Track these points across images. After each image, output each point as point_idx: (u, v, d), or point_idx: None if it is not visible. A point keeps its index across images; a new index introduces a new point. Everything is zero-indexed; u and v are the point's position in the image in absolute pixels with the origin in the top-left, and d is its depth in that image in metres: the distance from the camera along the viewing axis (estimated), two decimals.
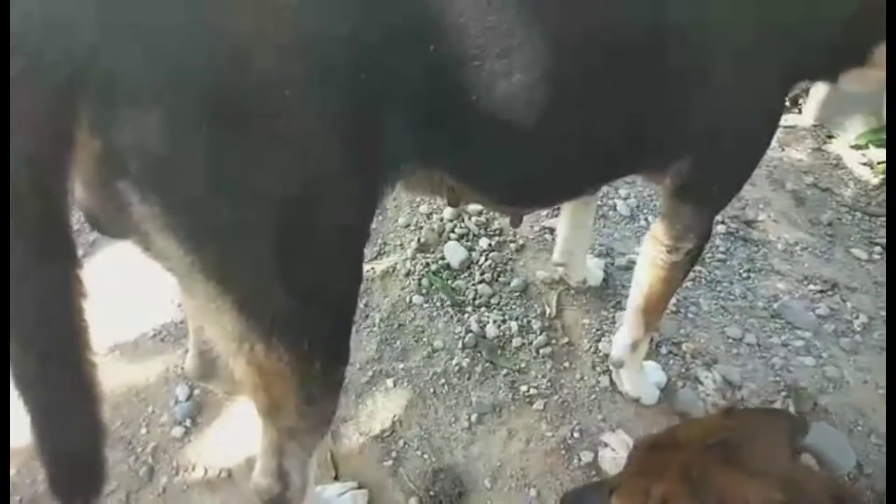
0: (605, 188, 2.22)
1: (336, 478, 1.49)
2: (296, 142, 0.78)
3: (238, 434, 1.54)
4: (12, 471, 1.45)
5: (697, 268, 1.68)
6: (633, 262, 1.99)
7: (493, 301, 1.91)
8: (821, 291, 2.03)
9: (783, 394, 1.72)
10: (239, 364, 0.92)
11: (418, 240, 2.05)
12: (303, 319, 0.90)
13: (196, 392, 1.64)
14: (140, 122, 0.70)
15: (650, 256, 1.42)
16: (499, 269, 2.00)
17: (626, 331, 1.59)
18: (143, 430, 1.56)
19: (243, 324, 0.85)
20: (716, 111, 1.12)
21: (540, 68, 0.94)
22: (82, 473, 0.83)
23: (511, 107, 0.95)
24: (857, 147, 2.63)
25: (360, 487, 1.46)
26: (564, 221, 1.84)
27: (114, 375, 1.64)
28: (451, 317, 1.86)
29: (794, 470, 0.89)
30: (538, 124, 1.00)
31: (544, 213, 2.17)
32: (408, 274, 1.97)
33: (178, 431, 1.56)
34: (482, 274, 1.98)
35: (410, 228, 2.11)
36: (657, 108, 1.10)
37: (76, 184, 0.74)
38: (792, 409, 1.67)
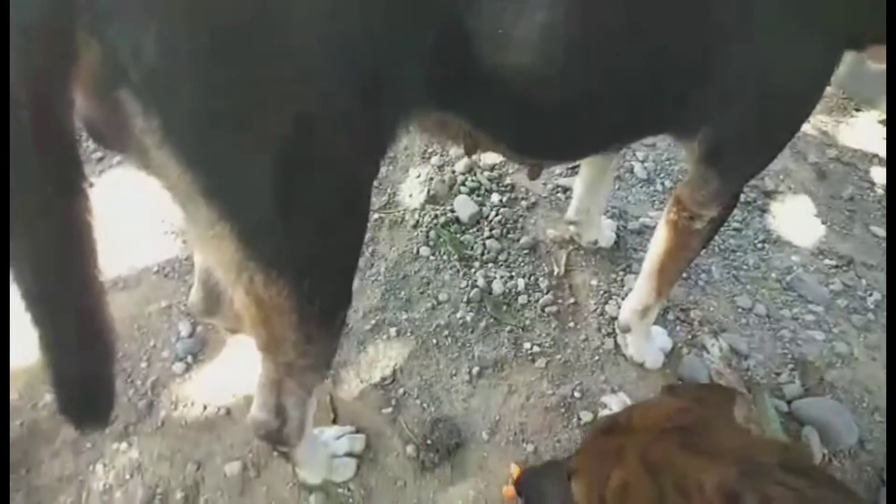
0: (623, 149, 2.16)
1: (335, 421, 1.50)
2: (297, 65, 0.74)
3: (239, 372, 1.54)
4: (14, 395, 1.46)
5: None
6: (647, 226, 1.97)
7: (500, 257, 1.88)
8: (836, 266, 1.99)
9: (790, 366, 1.70)
10: (238, 294, 0.90)
11: (428, 191, 2.02)
12: (303, 256, 0.88)
13: (198, 329, 1.63)
14: (136, 32, 0.66)
15: (671, 221, 1.38)
16: (508, 225, 1.97)
17: (636, 296, 1.56)
18: (144, 364, 1.56)
19: (242, 252, 0.83)
20: (758, 70, 1.05)
21: (564, 8, 0.88)
22: (92, 398, 0.83)
23: (533, 50, 0.90)
24: (884, 123, 2.55)
25: (357, 432, 1.46)
26: (582, 179, 1.80)
27: (116, 309, 1.59)
28: (458, 271, 1.83)
29: (746, 444, 0.89)
30: (561, 71, 0.95)
31: (558, 170, 2.12)
32: (416, 225, 1.94)
33: (178, 367, 1.56)
34: (491, 229, 1.94)
35: (421, 180, 2.07)
36: (693, 62, 1.04)
37: (79, 94, 0.71)
38: (798, 382, 1.65)
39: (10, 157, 0.66)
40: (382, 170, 2.00)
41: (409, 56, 0.85)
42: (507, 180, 2.09)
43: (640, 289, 1.54)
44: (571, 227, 1.90)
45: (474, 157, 1.49)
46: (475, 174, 2.09)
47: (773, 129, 1.20)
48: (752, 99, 1.10)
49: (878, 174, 2.34)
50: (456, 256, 1.86)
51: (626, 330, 1.63)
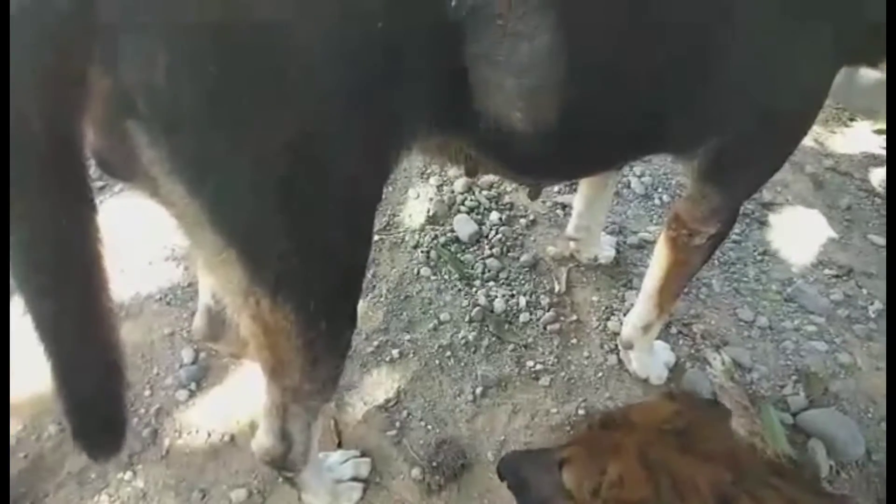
0: None
1: (339, 445, 1.49)
2: (301, 88, 0.76)
3: (242, 399, 1.54)
4: (18, 426, 1.46)
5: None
6: (646, 241, 1.98)
7: (501, 276, 1.89)
8: (836, 276, 1.99)
9: (794, 378, 1.69)
10: (244, 319, 0.91)
11: (428, 211, 2.03)
12: (309, 279, 0.89)
13: (201, 356, 1.63)
14: (145, 57, 0.68)
15: (670, 238, 1.38)
16: (508, 243, 1.97)
17: (638, 312, 1.56)
18: (147, 392, 1.56)
19: (249, 277, 0.84)
20: (759, 87, 1.06)
21: (565, 32, 0.89)
22: (104, 422, 0.84)
23: (533, 72, 0.91)
24: (879, 132, 2.56)
25: (362, 456, 1.46)
26: (581, 196, 1.81)
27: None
28: (459, 290, 1.84)
29: (738, 450, 0.91)
30: (561, 93, 0.95)
31: (557, 188, 2.13)
32: (416, 246, 1.94)
33: (182, 394, 1.56)
34: (491, 248, 1.95)
35: (420, 200, 2.08)
36: (694, 81, 1.04)
37: (89, 125, 0.74)
38: (802, 395, 1.65)
39: (23, 184, 0.68)
40: None
41: (412, 81, 0.86)
42: (506, 199, 2.10)
43: (642, 306, 1.54)
44: (571, 244, 1.91)
45: (475, 178, 1.50)
46: (474, 193, 2.10)
47: (774, 144, 1.20)
48: (752, 116, 1.10)
49: (876, 183, 2.35)
50: (457, 276, 1.87)
51: (629, 346, 1.63)
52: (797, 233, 2.12)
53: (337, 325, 0.99)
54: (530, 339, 1.73)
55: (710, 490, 0.80)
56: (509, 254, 1.95)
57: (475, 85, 0.91)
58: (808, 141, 2.49)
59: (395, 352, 1.68)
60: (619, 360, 1.69)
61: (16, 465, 1.40)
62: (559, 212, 2.08)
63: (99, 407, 0.83)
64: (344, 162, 0.83)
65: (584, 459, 0.95)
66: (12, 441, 1.44)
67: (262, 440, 1.15)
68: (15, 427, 1.46)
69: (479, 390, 1.61)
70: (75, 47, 0.67)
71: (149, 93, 0.70)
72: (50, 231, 0.72)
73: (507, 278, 1.88)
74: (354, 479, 1.41)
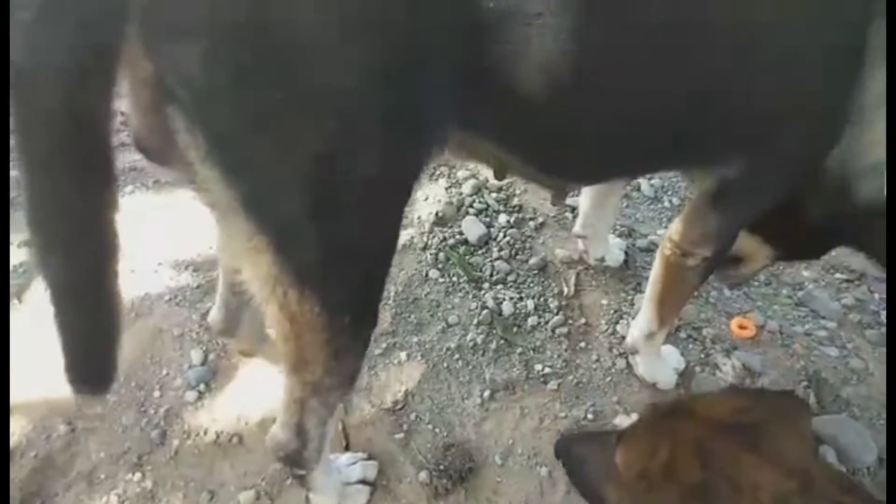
0: None
1: (347, 448, 1.49)
2: (336, 83, 0.77)
3: (251, 400, 1.54)
4: (27, 427, 1.47)
5: None
6: (655, 244, 1.97)
7: (510, 278, 1.88)
8: (847, 281, 1.98)
9: (804, 384, 1.68)
10: (271, 309, 0.92)
11: (436, 213, 2.02)
12: (336, 271, 0.90)
13: (210, 357, 1.64)
14: (184, 52, 0.70)
15: (664, 256, 1.38)
16: (517, 246, 1.97)
17: (641, 321, 1.56)
18: (157, 394, 1.57)
19: (278, 266, 0.86)
20: (785, 118, 1.04)
21: (596, 38, 0.89)
22: (96, 366, 0.89)
23: (563, 75, 0.90)
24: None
25: (370, 458, 1.46)
26: (587, 195, 1.80)
27: (128, 337, 1.64)
28: (467, 293, 1.83)
29: (808, 460, 0.87)
30: (592, 91, 0.94)
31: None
32: (425, 248, 1.94)
33: (191, 395, 1.56)
34: (500, 250, 1.95)
35: (429, 202, 2.08)
36: (727, 96, 1.02)
37: (130, 109, 0.78)
38: (813, 400, 1.64)
39: (47, 164, 0.73)
40: None
41: (441, 83, 0.86)
42: (515, 201, 2.09)
43: (644, 315, 1.54)
44: (580, 244, 1.90)
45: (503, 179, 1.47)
46: (483, 195, 2.10)
47: (786, 176, 1.17)
48: (775, 143, 1.09)
49: None
50: (465, 278, 1.86)
51: (634, 352, 1.63)
52: None
53: (360, 320, 1.01)
54: (539, 343, 1.73)
55: (770, 496, 0.78)
56: (518, 256, 1.95)
57: (503, 84, 0.90)
58: None
59: (402, 354, 1.68)
60: (628, 364, 1.68)
61: (26, 465, 1.41)
62: (568, 214, 2.07)
63: (92, 352, 0.88)
64: (376, 162, 0.84)
65: (640, 441, 0.94)
66: (22, 441, 1.44)
67: (278, 435, 1.16)
68: (25, 427, 1.47)
69: (487, 393, 1.60)
70: (110, 28, 0.69)
71: (186, 80, 0.72)
72: (69, 199, 0.75)
73: (515, 281, 1.88)
74: (362, 481, 1.41)
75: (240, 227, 0.84)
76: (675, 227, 1.32)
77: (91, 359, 0.89)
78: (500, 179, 1.29)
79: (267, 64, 0.73)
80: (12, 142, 0.73)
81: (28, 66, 0.69)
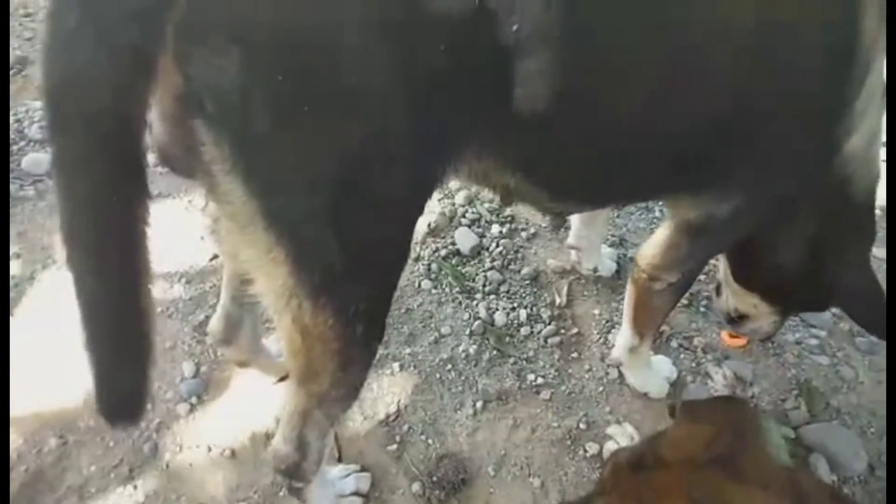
0: None
1: (339, 460, 1.49)
2: (362, 108, 0.79)
3: (243, 413, 1.54)
4: (18, 441, 1.46)
5: (712, 262, 1.65)
6: None
7: (502, 289, 1.89)
8: None
9: (795, 392, 1.69)
10: (284, 321, 0.93)
11: (429, 224, 2.03)
12: (351, 284, 0.91)
13: (202, 369, 1.63)
14: (216, 62, 0.72)
15: (633, 279, 1.39)
16: (509, 256, 1.98)
17: (623, 334, 1.57)
18: (148, 406, 1.55)
19: (294, 278, 0.87)
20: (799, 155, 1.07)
21: (620, 63, 0.91)
22: (127, 396, 0.89)
23: (584, 91, 0.92)
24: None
25: (363, 470, 1.46)
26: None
27: None
28: (460, 303, 1.84)
29: (796, 477, 0.86)
30: (612, 112, 0.96)
31: None
32: (417, 258, 1.95)
33: (183, 408, 1.56)
34: (492, 261, 1.96)
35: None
36: (735, 132, 1.04)
37: (156, 120, 0.79)
38: (804, 408, 1.64)
39: (85, 170, 0.74)
40: None
41: (462, 104, 0.87)
42: (507, 211, 2.10)
43: (625, 328, 1.55)
44: (572, 255, 1.91)
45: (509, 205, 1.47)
46: (475, 206, 2.11)
47: (765, 212, 1.19)
48: (768, 183, 1.11)
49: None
50: (458, 289, 1.87)
51: (619, 364, 1.64)
52: None
53: (371, 331, 1.02)
54: (531, 353, 1.73)
55: None
56: (510, 267, 1.95)
57: (525, 108, 0.90)
58: None
59: (395, 365, 1.68)
60: (621, 374, 1.69)
61: (16, 479, 1.40)
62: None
63: (123, 383, 0.88)
64: (395, 180, 0.85)
65: None
66: (13, 455, 1.43)
67: (279, 448, 1.17)
68: (16, 441, 1.46)
69: (479, 404, 1.60)
70: (151, 34, 0.70)
71: (217, 94, 0.74)
72: (104, 209, 0.77)
73: (507, 291, 1.89)
74: (355, 493, 1.41)
75: (259, 239, 0.84)
76: (644, 251, 1.33)
77: (122, 388, 0.88)
78: (506, 206, 1.31)
79: (300, 84, 0.75)
80: (49, 152, 0.73)
81: (69, 71, 0.70)
